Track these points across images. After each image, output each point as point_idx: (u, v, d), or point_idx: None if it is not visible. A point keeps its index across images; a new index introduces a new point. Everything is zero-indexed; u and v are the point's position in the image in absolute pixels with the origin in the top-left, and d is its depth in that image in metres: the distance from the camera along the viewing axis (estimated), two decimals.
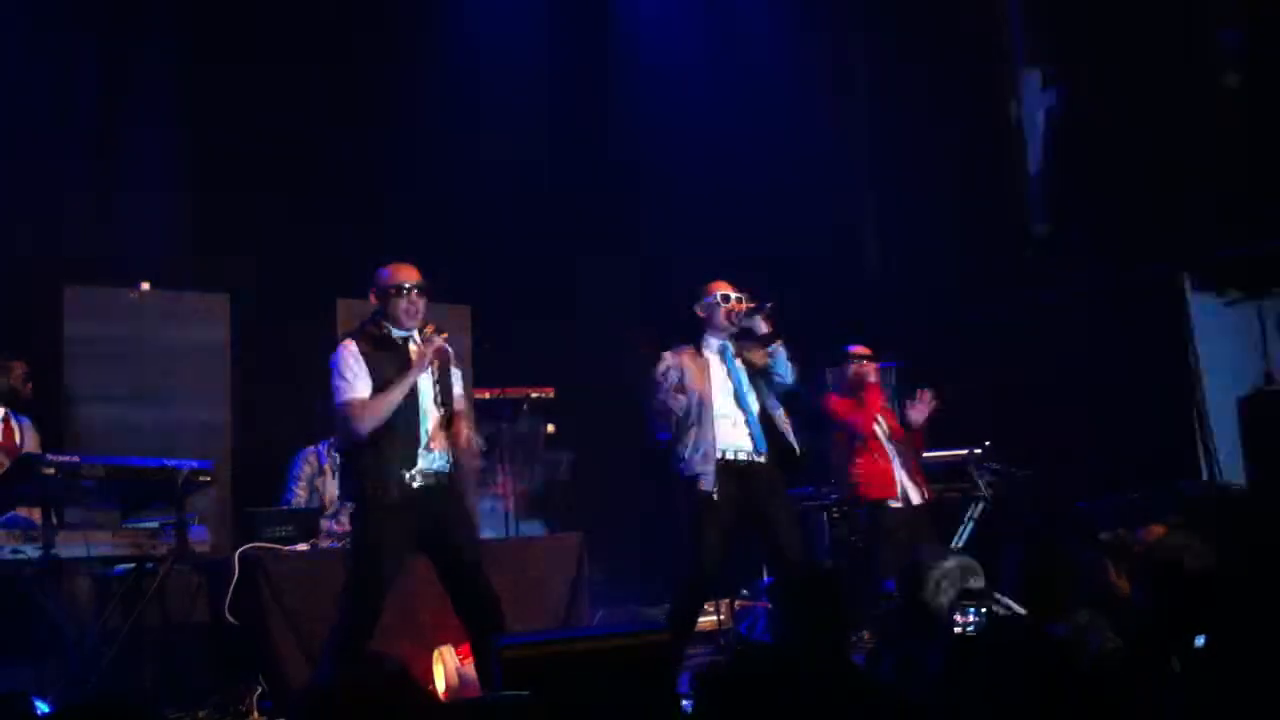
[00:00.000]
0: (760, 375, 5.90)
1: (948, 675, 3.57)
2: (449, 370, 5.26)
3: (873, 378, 7.02)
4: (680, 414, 5.72)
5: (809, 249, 9.08)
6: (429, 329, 5.22)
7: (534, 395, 7.62)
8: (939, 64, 9.12)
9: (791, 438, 5.87)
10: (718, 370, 5.85)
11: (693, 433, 5.70)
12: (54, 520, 5.41)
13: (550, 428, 8.04)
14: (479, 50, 9.16)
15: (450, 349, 5.26)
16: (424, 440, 5.06)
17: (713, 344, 5.89)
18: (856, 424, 6.86)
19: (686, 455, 5.68)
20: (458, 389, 5.33)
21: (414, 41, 8.95)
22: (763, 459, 5.76)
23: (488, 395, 7.47)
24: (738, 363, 5.88)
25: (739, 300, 5.87)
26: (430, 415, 5.11)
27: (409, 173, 8.74)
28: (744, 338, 5.94)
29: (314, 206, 8.36)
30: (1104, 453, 7.80)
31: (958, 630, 4.27)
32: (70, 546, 5.39)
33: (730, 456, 5.70)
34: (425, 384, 5.14)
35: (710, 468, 5.63)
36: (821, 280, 8.90)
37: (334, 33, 8.56)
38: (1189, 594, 3.93)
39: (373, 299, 5.24)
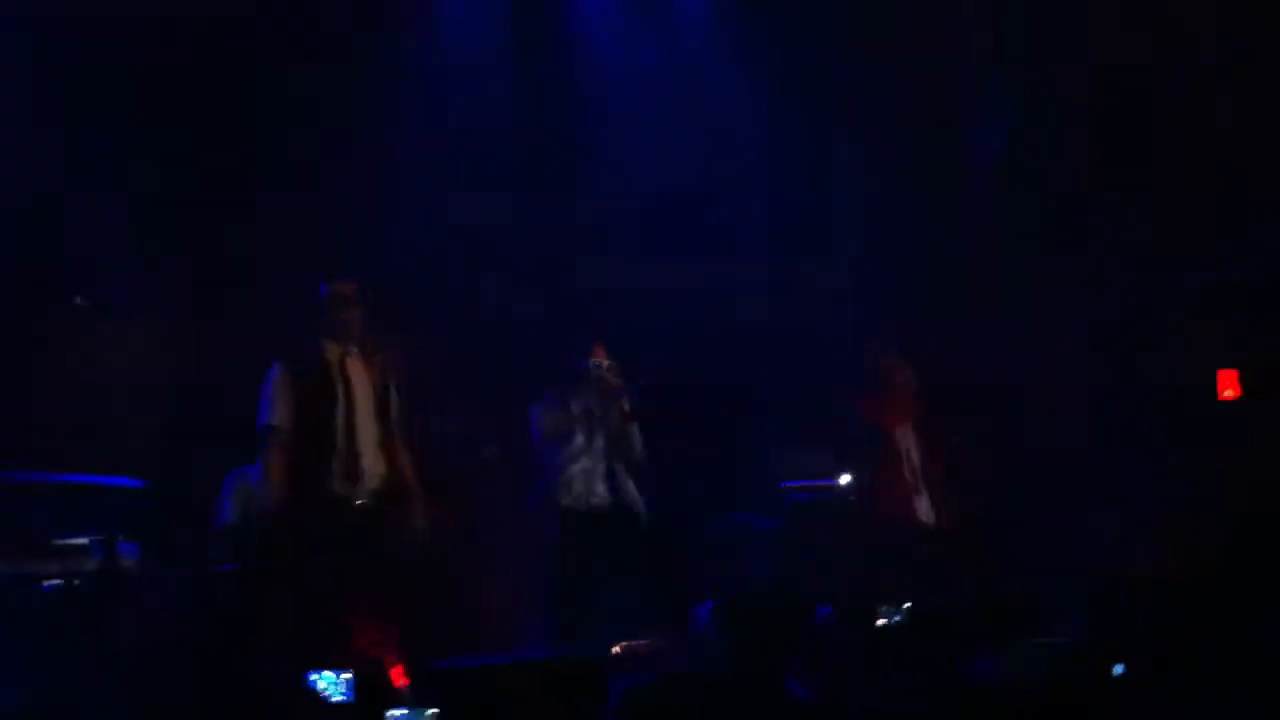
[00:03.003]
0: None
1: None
2: (387, 385, 5.24)
3: (901, 378, 6.67)
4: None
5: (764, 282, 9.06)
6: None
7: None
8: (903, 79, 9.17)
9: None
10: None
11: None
12: None
13: (492, 450, 8.01)
14: (443, 65, 9.13)
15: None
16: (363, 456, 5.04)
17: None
18: (881, 424, 6.54)
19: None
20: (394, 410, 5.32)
21: (378, 55, 8.87)
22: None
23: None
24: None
25: (610, 369, 6.06)
26: (367, 430, 5.09)
27: (366, 195, 8.66)
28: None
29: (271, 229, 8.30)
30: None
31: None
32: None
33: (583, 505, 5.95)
34: (365, 399, 5.12)
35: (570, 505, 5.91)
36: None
37: (298, 53, 8.51)
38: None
39: (311, 316, 5.23)
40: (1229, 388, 7.35)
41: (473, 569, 6.90)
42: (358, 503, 5.04)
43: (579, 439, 6.04)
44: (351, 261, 6.87)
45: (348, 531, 5.01)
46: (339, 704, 4.44)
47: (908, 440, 6.60)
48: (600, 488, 5.99)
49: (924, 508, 6.54)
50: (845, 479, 7.78)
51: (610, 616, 5.98)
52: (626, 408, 6.09)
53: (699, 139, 9.28)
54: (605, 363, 6.09)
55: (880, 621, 4.37)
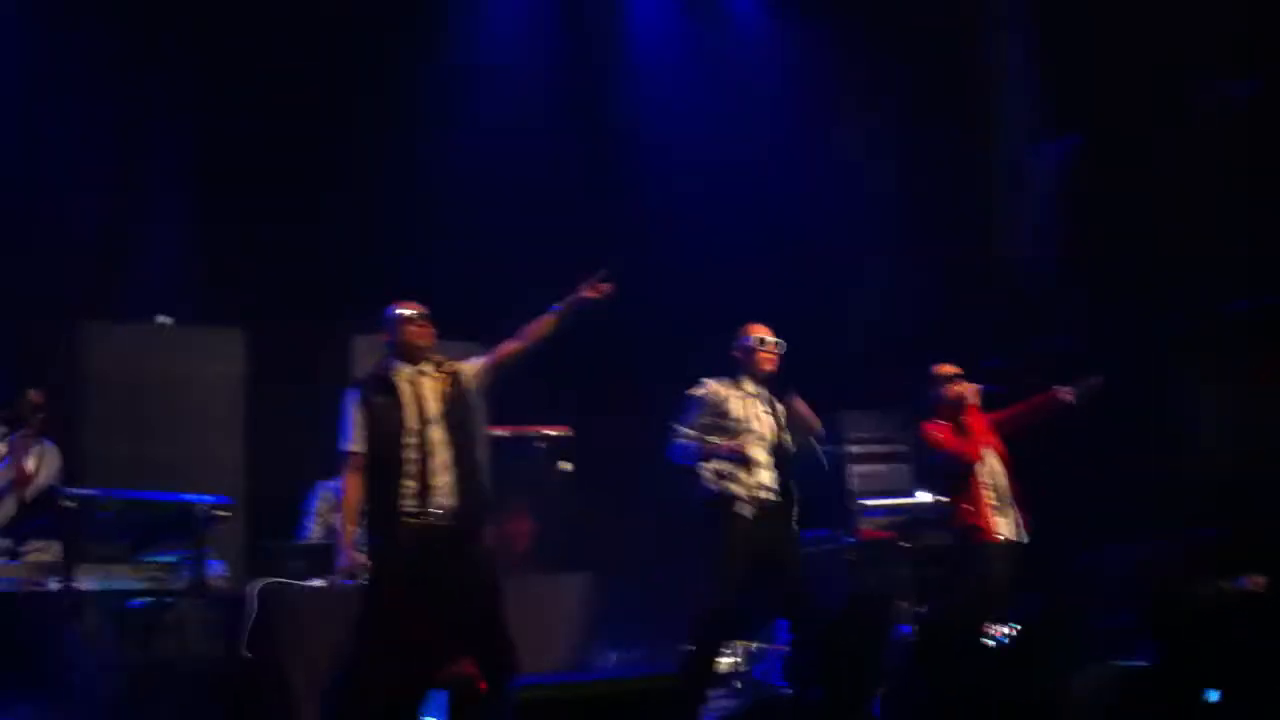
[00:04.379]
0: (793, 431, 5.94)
1: None
2: (459, 404, 5.26)
3: (972, 399, 6.53)
4: (716, 443, 5.76)
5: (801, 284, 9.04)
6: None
7: (551, 434, 7.62)
8: (941, 113, 9.13)
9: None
10: (754, 408, 5.90)
11: (728, 464, 5.74)
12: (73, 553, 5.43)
13: (566, 466, 8.02)
14: (486, 83, 9.19)
15: None
16: (436, 474, 5.07)
17: (749, 385, 5.93)
18: (963, 454, 6.39)
19: (719, 485, 5.72)
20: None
21: (416, 69, 8.96)
22: (783, 501, 5.80)
23: (504, 433, 7.46)
24: (776, 407, 5.93)
25: (776, 346, 5.93)
26: (441, 449, 5.11)
27: (424, 208, 8.74)
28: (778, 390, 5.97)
29: (327, 239, 8.39)
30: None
31: None
32: (89, 580, 5.41)
33: (761, 495, 5.74)
34: (438, 417, 5.14)
35: (744, 500, 5.68)
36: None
37: (340, 66, 8.61)
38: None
39: (384, 338, 5.28)
40: None
41: (541, 585, 6.92)
42: (432, 521, 5.02)
43: (753, 424, 5.86)
44: (412, 275, 6.97)
45: (423, 551, 5.00)
46: None
47: (988, 459, 6.47)
48: (768, 478, 5.82)
49: (1007, 524, 6.38)
50: (923, 496, 7.76)
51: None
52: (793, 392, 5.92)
53: (751, 152, 9.31)
54: (772, 339, 5.95)
55: (988, 643, 4.30)
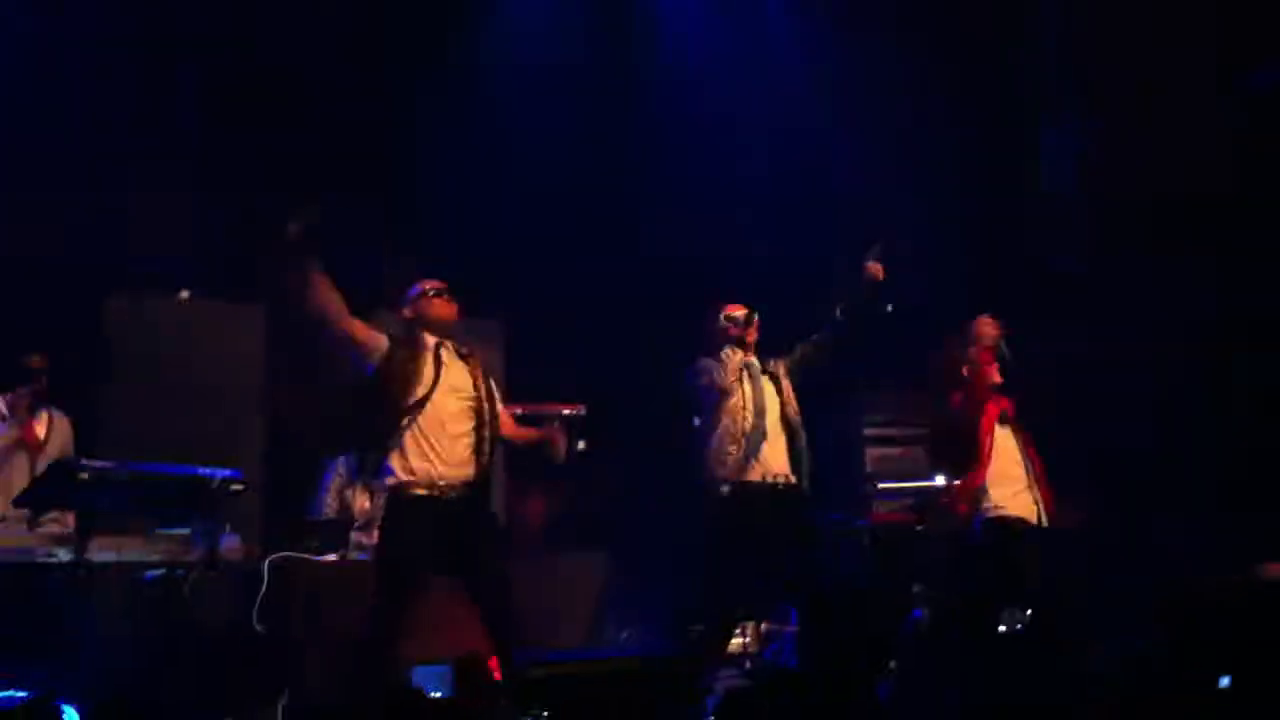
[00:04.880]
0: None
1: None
2: (484, 382, 5.28)
3: (987, 370, 6.20)
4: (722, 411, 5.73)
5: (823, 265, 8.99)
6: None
7: (566, 412, 7.59)
8: (966, 94, 9.06)
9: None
10: (756, 386, 5.87)
11: (730, 444, 5.71)
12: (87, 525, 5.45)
13: (581, 444, 8.00)
14: (512, 61, 9.15)
15: None
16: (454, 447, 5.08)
17: (741, 357, 5.91)
18: (969, 417, 6.13)
19: (719, 468, 5.70)
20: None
21: (447, 55, 8.94)
22: (793, 481, 5.77)
23: (519, 411, 7.45)
24: (781, 380, 5.89)
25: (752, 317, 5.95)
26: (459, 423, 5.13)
27: (442, 185, 8.73)
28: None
29: (349, 218, 8.37)
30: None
31: None
32: (102, 552, 5.43)
33: (767, 477, 5.71)
34: (457, 391, 5.16)
35: (747, 482, 5.67)
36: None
37: (368, 46, 8.59)
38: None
39: (407, 313, 5.29)
40: None
41: (553, 563, 6.93)
42: (443, 493, 5.04)
43: (749, 399, 5.81)
44: (435, 255, 6.97)
45: (434, 521, 5.02)
46: (439, 698, 4.46)
47: (1007, 437, 6.36)
48: (777, 460, 5.77)
49: (1028, 506, 6.24)
50: (940, 479, 7.70)
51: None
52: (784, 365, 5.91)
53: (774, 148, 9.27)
54: (743, 312, 5.94)
55: (1001, 628, 4.27)
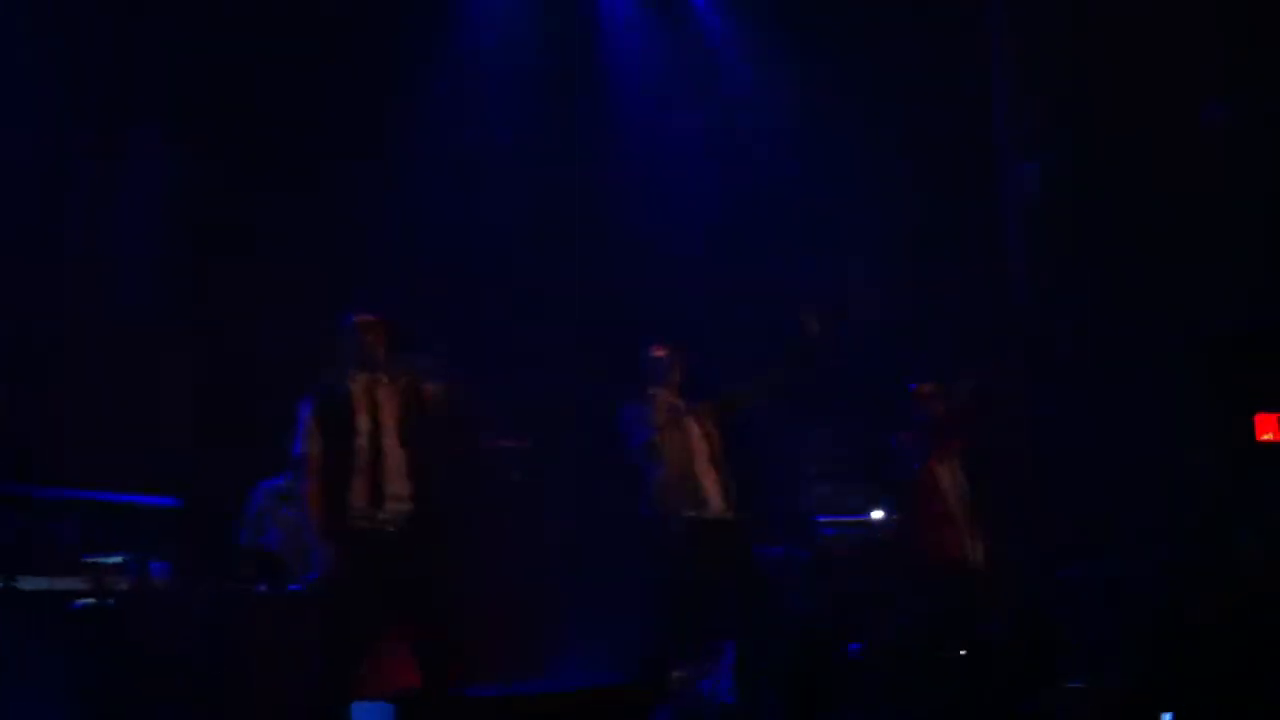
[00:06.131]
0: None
1: None
2: (414, 411, 5.24)
3: (940, 409, 6.47)
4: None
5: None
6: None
7: (507, 445, 7.58)
8: (925, 125, 9.14)
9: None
10: (687, 422, 5.92)
11: (664, 483, 5.73)
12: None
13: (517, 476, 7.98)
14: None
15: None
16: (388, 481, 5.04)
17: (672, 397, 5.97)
18: (917, 456, 6.35)
19: (663, 503, 5.70)
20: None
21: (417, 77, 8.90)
22: (730, 516, 5.80)
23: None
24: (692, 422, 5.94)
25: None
26: (394, 455, 5.09)
27: (400, 209, 8.65)
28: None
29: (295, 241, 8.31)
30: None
31: None
32: (32, 580, 5.31)
33: (705, 512, 5.72)
34: (392, 425, 5.12)
35: (690, 518, 5.68)
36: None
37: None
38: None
39: (341, 343, 5.26)
40: (1268, 431, 7.29)
41: (497, 594, 6.86)
42: (381, 527, 5.00)
43: (676, 440, 5.87)
44: (376, 283, 6.90)
45: (372, 556, 4.98)
46: None
47: (950, 475, 6.42)
48: (714, 496, 5.82)
49: (967, 544, 6.31)
50: (878, 514, 7.74)
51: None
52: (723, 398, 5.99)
53: (734, 170, 9.29)
54: (669, 354, 6.02)
55: (936, 659, 4.28)
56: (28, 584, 5.27)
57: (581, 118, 9.38)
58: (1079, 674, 4.69)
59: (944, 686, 4.60)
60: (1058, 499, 7.73)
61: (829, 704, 6.16)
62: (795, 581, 7.50)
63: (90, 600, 5.50)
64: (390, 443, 5.09)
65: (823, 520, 7.93)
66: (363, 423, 5.06)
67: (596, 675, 6.11)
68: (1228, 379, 7.84)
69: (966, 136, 9.24)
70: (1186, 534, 7.19)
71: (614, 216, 9.17)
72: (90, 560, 5.57)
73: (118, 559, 5.57)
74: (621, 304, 8.95)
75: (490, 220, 8.91)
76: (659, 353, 6.05)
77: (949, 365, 7.94)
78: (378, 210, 8.56)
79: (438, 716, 4.93)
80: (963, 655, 4.78)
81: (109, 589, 5.49)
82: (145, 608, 5.59)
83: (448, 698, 4.84)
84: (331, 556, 4.98)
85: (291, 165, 8.27)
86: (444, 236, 8.63)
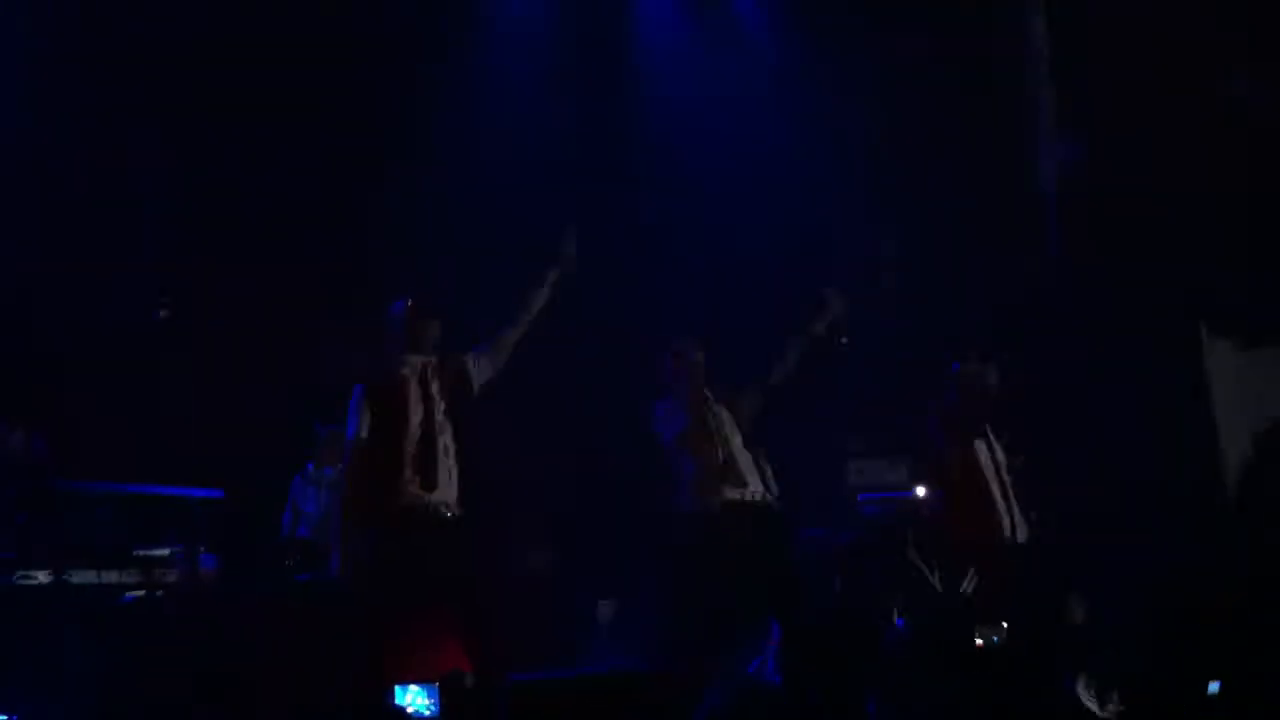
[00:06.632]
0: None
1: None
2: (463, 396, 5.28)
3: (980, 386, 6.38)
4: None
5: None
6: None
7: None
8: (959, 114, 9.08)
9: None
10: (719, 413, 5.96)
11: (703, 469, 5.75)
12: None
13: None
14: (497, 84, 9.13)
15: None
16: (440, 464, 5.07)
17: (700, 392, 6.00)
18: (955, 433, 6.30)
19: (699, 492, 5.71)
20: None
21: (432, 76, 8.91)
22: (767, 500, 5.82)
23: None
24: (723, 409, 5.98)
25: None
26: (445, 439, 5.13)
27: (429, 207, 8.67)
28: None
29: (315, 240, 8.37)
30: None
31: None
32: (80, 573, 5.38)
33: (744, 498, 5.74)
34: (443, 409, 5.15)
35: (727, 506, 5.69)
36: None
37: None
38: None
39: (391, 330, 5.28)
40: None
41: (533, 581, 6.90)
42: (435, 510, 5.03)
43: (721, 423, 5.89)
44: (416, 274, 6.94)
45: (422, 539, 5.01)
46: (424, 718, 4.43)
47: (988, 452, 6.40)
48: (752, 478, 5.83)
49: (1006, 522, 6.27)
50: (922, 491, 7.70)
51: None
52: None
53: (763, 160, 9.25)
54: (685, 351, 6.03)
55: (979, 641, 4.27)
56: (77, 578, 5.35)
57: (608, 110, 9.37)
58: (1103, 658, 4.66)
59: (982, 668, 4.58)
60: (1084, 481, 7.68)
61: (872, 684, 6.16)
62: (836, 563, 7.51)
63: (139, 593, 5.59)
64: (441, 426, 5.13)
65: (864, 499, 7.91)
66: (414, 408, 5.10)
67: (637, 661, 6.13)
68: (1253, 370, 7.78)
69: (1003, 118, 9.18)
70: (1201, 527, 7.16)
71: (645, 207, 9.15)
72: (140, 553, 5.65)
73: (166, 551, 5.65)
74: (649, 296, 8.94)
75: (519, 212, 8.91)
76: (685, 346, 6.04)
77: (985, 344, 7.99)
78: (412, 206, 8.60)
79: (482, 699, 4.97)
80: (999, 638, 4.76)
81: (158, 582, 5.57)
82: (195, 599, 5.69)
83: (495, 681, 4.86)
84: (378, 539, 5.01)
85: (313, 164, 8.31)
86: (471, 234, 8.64)
